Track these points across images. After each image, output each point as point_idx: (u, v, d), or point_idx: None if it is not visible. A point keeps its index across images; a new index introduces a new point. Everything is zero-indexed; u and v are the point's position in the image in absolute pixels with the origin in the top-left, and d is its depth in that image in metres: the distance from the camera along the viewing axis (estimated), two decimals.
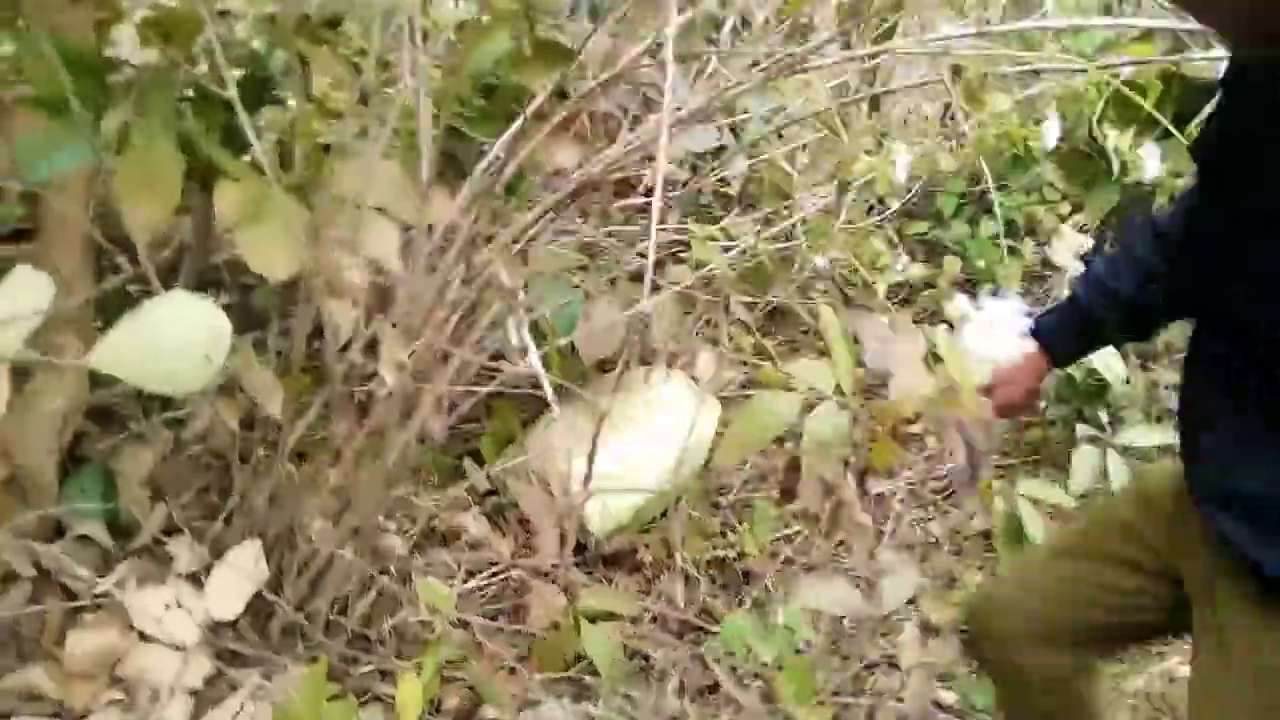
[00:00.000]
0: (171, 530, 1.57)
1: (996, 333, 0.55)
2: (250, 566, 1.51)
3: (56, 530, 1.51)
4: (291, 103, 2.19)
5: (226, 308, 2.07)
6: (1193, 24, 1.00)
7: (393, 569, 1.63)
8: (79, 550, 1.49)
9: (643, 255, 2.25)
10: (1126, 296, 1.11)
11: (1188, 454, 0.97)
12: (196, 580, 1.49)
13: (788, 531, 2.11)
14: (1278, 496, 0.85)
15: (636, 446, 1.88)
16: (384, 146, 1.45)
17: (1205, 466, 0.95)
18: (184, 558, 1.53)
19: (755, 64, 1.44)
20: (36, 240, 1.53)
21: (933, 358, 0.62)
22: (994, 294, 0.63)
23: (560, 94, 1.55)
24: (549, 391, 1.03)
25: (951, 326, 0.58)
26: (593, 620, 1.61)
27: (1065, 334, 1.12)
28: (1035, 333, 1.10)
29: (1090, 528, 1.21)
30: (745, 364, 2.39)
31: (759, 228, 2.00)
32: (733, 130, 2.00)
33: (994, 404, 1.09)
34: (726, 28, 1.92)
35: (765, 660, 1.58)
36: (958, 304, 0.58)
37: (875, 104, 2.78)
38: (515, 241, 1.49)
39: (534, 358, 1.02)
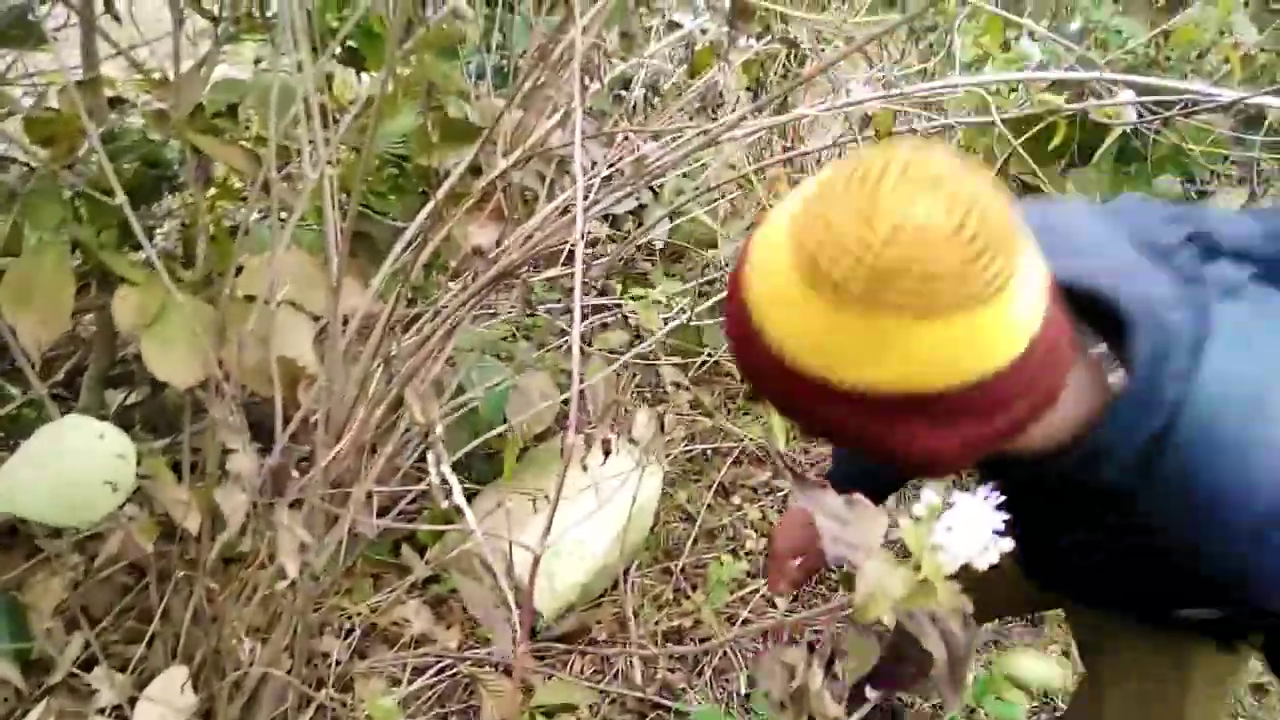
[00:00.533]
0: (91, 661, 1.46)
1: (969, 533, 0.52)
2: (176, 696, 1.41)
3: None
4: (189, 194, 2.13)
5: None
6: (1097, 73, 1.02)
7: (331, 676, 1.55)
8: None
9: (565, 330, 2.22)
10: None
11: None
12: (120, 714, 1.39)
13: (743, 593, 2.07)
14: None
15: (580, 519, 1.82)
16: (290, 234, 1.39)
17: None
18: (105, 692, 1.43)
19: (673, 137, 1.43)
20: None
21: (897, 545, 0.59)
22: (962, 487, 0.62)
23: (474, 170, 1.52)
24: (468, 516, 0.97)
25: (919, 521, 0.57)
26: (549, 716, 1.54)
27: None
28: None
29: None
30: (686, 421, 2.36)
31: (686, 285, 1.98)
32: (651, 190, 1.98)
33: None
34: (635, 89, 1.92)
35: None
36: (924, 498, 0.55)
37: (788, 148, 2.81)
38: (434, 332, 1.44)
39: (459, 495, 0.97)
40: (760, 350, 0.72)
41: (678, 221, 1.99)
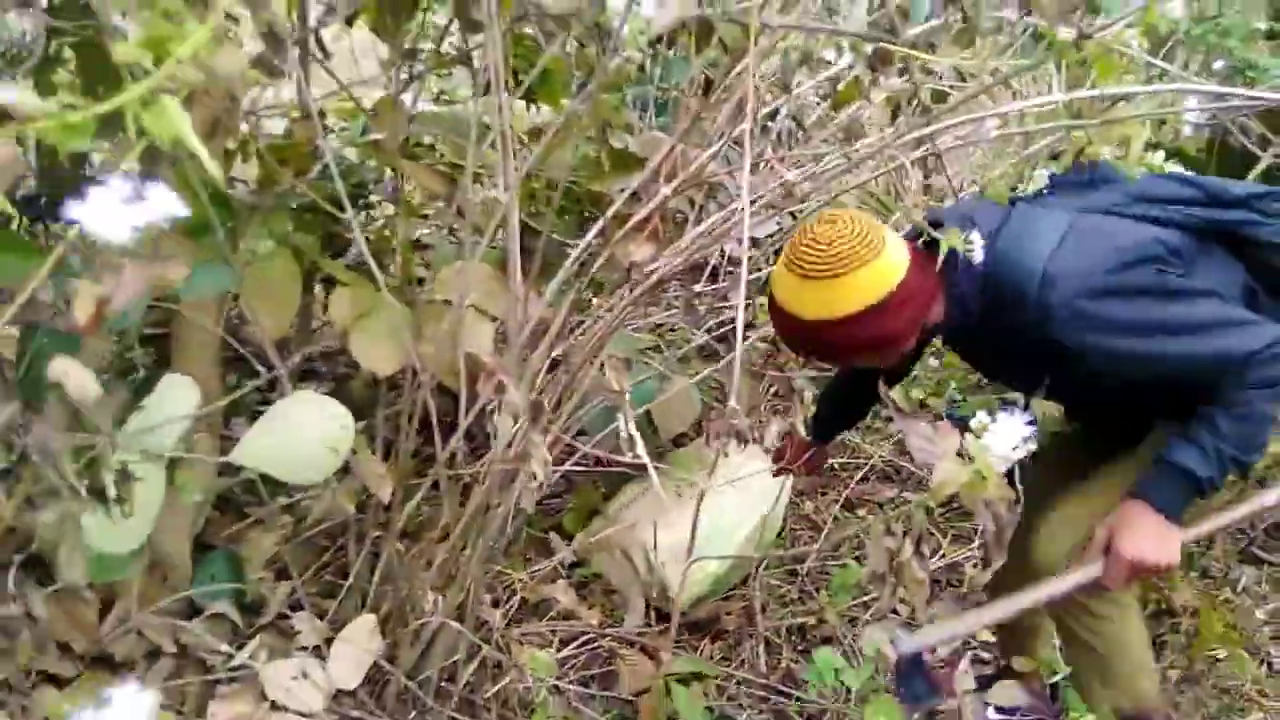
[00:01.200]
0: (294, 607, 1.72)
1: (1005, 438, 0.77)
2: (366, 639, 1.65)
3: (192, 610, 1.67)
4: (383, 208, 2.41)
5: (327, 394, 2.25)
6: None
7: (494, 639, 1.76)
8: (213, 628, 1.65)
9: (710, 333, 2.39)
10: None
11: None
12: (319, 653, 1.64)
13: (865, 598, 2.19)
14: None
15: (717, 518, 1.99)
16: (476, 249, 1.62)
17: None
18: (307, 632, 1.68)
19: (816, 160, 1.59)
20: (173, 348, 1.72)
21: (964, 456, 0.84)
22: (1005, 409, 0.88)
23: (634, 195, 1.71)
24: (649, 466, 1.16)
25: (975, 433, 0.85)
26: (683, 684, 1.71)
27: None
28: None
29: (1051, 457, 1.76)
30: None
31: None
32: (792, 215, 2.14)
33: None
34: (781, 121, 2.08)
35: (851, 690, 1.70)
36: (979, 417, 0.78)
37: (927, 176, 2.92)
38: (599, 333, 1.64)
39: (641, 450, 1.16)
40: (786, 319, 1.39)
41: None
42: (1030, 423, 0.81)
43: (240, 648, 1.64)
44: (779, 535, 2.33)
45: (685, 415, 2.03)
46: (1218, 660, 2.16)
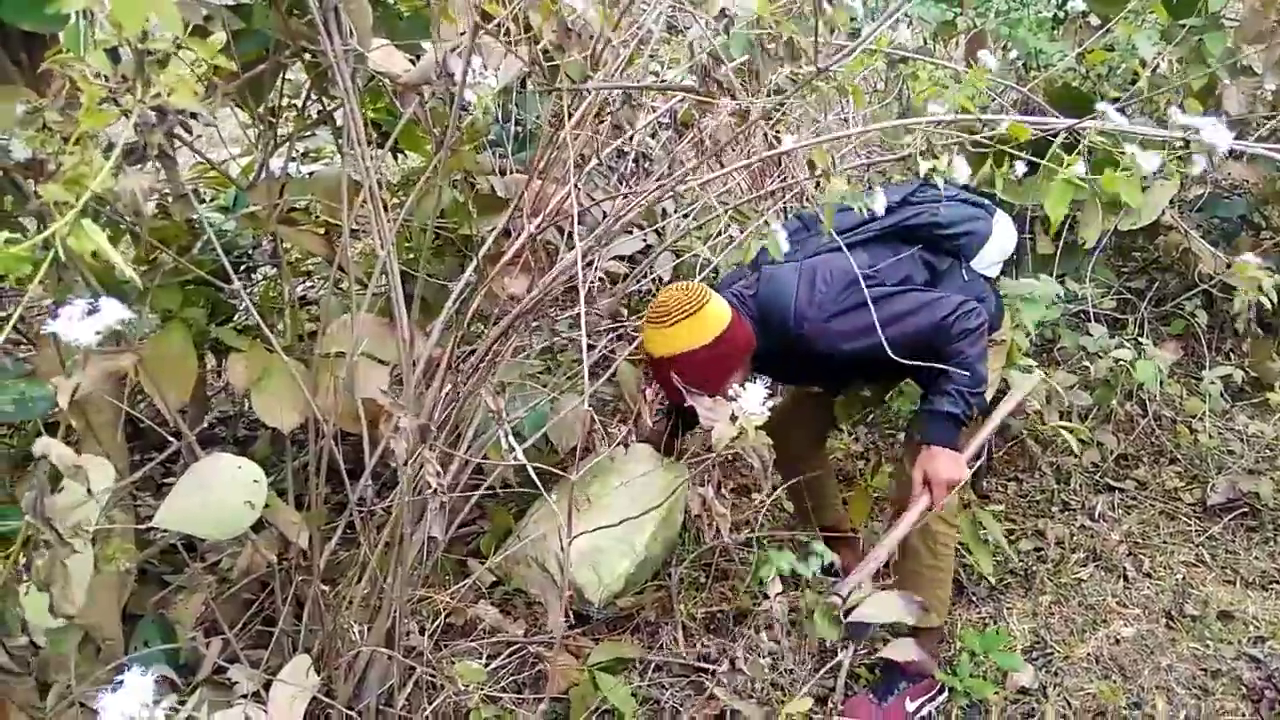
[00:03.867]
0: (230, 660, 1.81)
1: (752, 402, 1.05)
2: (302, 678, 1.75)
3: None
4: (265, 270, 2.50)
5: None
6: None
7: (425, 660, 1.88)
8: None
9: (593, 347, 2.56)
10: None
11: None
12: (259, 698, 1.73)
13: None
14: None
15: (618, 518, 2.14)
16: (360, 300, 1.75)
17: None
18: (243, 681, 1.77)
19: (663, 185, 1.77)
20: (81, 429, 1.80)
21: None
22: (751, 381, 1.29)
23: (505, 232, 1.87)
24: (535, 480, 1.31)
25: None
26: (610, 673, 1.87)
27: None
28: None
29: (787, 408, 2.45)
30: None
31: None
32: (656, 232, 2.33)
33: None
34: (632, 148, 2.26)
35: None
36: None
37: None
38: (483, 362, 1.78)
39: (518, 452, 1.31)
40: (656, 363, 1.90)
41: (683, 258, 2.32)
42: (768, 390, 1.17)
43: (182, 704, 1.73)
44: (684, 527, 2.50)
45: (577, 428, 2.18)
46: (1082, 581, 2.43)
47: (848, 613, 1.67)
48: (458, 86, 1.37)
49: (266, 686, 1.74)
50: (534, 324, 2.01)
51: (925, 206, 2.08)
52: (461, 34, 1.53)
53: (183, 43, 0.85)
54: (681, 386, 1.77)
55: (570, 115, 1.58)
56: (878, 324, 1.76)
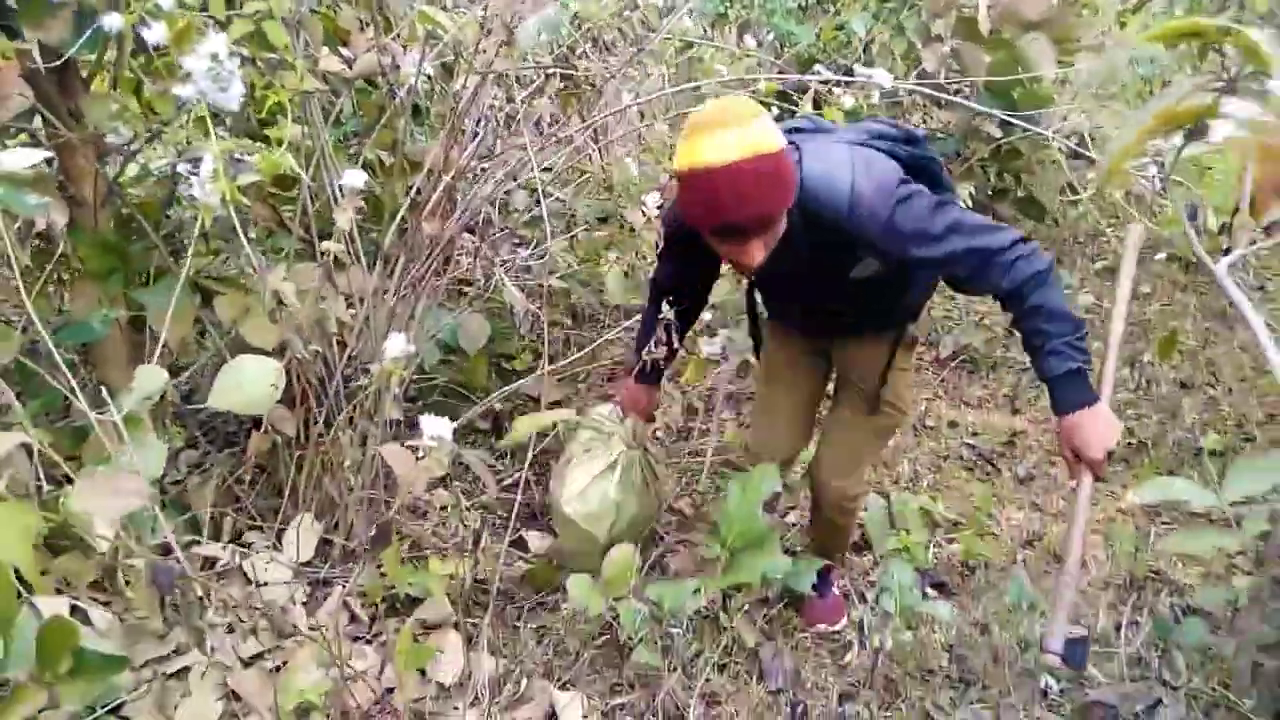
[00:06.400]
0: (243, 529, 2.36)
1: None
2: (309, 525, 2.33)
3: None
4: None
5: None
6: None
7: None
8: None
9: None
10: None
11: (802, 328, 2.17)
12: (276, 548, 2.29)
13: None
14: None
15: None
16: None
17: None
18: (258, 541, 2.33)
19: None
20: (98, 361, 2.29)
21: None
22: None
23: (419, 191, 2.48)
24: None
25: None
26: None
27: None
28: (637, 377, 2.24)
29: (782, 372, 2.24)
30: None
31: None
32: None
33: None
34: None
35: None
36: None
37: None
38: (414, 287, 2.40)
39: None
40: (719, 173, 1.51)
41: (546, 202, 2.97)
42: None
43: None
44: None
45: (479, 337, 2.80)
46: None
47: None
48: (400, 77, 1.98)
49: (280, 535, 2.32)
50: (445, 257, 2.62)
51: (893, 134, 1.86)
52: (395, 38, 2.15)
53: None
54: (754, 191, 1.53)
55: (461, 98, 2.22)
56: (950, 228, 1.62)
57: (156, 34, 1.21)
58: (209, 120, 1.26)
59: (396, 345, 1.62)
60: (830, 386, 2.29)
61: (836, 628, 2.32)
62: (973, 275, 1.67)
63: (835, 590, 2.37)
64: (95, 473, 1.24)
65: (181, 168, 2.51)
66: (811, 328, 2.15)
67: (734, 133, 1.51)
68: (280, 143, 1.42)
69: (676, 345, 2.16)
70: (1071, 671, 1.62)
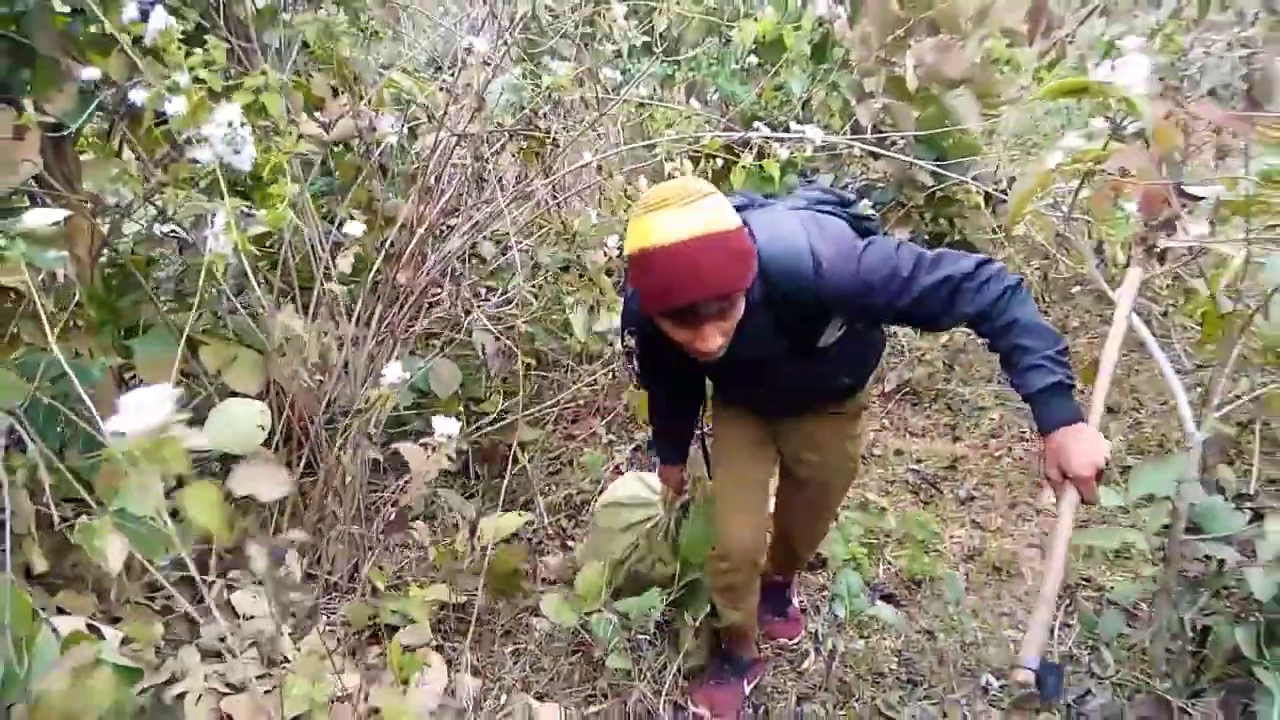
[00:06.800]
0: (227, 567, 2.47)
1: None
2: (293, 562, 2.44)
3: None
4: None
5: None
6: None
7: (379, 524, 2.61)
8: None
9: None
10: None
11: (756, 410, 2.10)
12: None
13: None
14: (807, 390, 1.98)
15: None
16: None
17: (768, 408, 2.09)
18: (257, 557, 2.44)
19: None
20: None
21: None
22: None
23: (390, 243, 2.65)
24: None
25: None
26: None
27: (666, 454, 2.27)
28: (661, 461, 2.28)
29: (740, 458, 2.12)
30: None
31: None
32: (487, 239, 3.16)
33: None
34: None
35: None
36: None
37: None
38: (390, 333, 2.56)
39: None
40: (677, 251, 1.45)
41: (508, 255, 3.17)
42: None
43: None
44: None
45: (450, 383, 2.96)
46: None
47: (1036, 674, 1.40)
48: (376, 138, 2.17)
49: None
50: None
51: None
52: (366, 103, 2.34)
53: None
54: (711, 270, 1.47)
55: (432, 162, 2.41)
56: (913, 268, 1.58)
57: (175, 106, 1.38)
58: (221, 180, 1.42)
59: (394, 372, 1.78)
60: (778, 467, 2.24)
61: (795, 640, 2.45)
62: (945, 308, 1.59)
63: (795, 604, 2.51)
64: (252, 461, 1.39)
65: (158, 229, 2.69)
66: (767, 407, 2.09)
67: (685, 211, 1.46)
68: (281, 199, 1.59)
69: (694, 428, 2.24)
70: (1045, 699, 1.48)
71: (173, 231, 2.67)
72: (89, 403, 1.95)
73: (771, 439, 2.13)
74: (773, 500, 2.29)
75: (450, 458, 1.76)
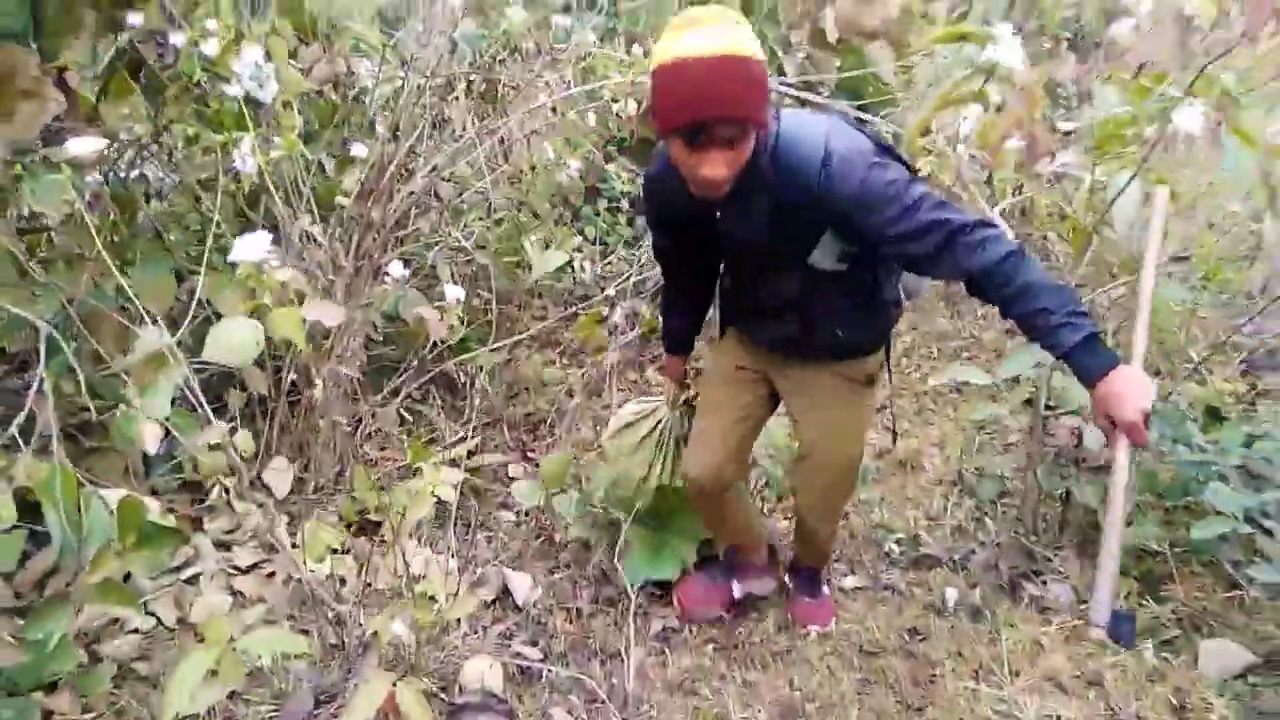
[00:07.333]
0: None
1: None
2: (285, 466, 2.73)
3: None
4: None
5: None
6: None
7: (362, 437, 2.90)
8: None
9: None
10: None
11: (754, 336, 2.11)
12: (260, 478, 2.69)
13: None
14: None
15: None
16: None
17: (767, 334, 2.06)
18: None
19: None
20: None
21: None
22: None
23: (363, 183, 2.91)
24: None
25: None
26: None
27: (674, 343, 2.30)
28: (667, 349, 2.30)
29: (719, 386, 2.18)
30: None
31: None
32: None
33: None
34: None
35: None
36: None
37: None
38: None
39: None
40: (700, 64, 1.46)
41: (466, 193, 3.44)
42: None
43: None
44: None
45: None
46: None
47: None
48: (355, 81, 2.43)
49: (259, 478, 2.72)
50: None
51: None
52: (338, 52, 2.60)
53: None
54: (730, 90, 1.49)
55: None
56: (910, 196, 1.60)
57: (210, 47, 1.65)
58: (246, 112, 1.70)
59: (396, 270, 2.06)
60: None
61: (826, 628, 2.31)
62: (940, 252, 1.61)
63: (826, 591, 2.38)
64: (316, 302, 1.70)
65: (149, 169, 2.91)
66: (763, 335, 2.07)
67: (714, 31, 1.47)
68: (292, 128, 1.86)
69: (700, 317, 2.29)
70: (1121, 647, 1.59)
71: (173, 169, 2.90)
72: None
73: (764, 380, 2.14)
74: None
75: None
